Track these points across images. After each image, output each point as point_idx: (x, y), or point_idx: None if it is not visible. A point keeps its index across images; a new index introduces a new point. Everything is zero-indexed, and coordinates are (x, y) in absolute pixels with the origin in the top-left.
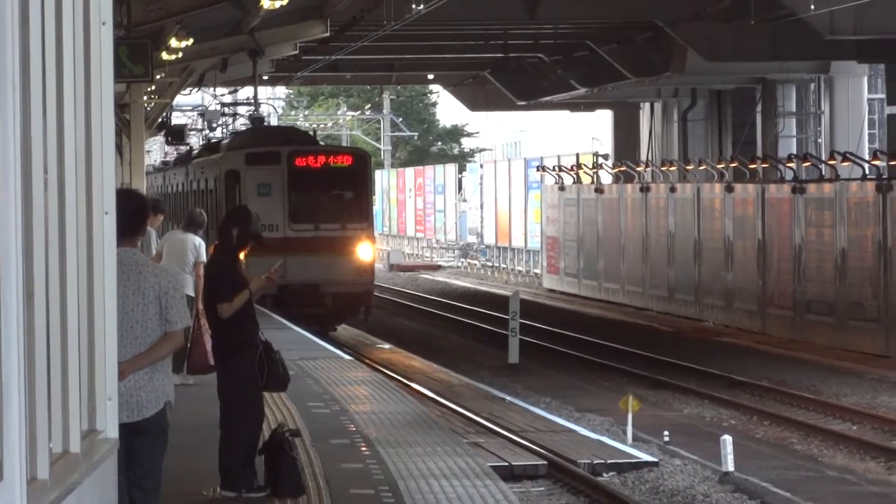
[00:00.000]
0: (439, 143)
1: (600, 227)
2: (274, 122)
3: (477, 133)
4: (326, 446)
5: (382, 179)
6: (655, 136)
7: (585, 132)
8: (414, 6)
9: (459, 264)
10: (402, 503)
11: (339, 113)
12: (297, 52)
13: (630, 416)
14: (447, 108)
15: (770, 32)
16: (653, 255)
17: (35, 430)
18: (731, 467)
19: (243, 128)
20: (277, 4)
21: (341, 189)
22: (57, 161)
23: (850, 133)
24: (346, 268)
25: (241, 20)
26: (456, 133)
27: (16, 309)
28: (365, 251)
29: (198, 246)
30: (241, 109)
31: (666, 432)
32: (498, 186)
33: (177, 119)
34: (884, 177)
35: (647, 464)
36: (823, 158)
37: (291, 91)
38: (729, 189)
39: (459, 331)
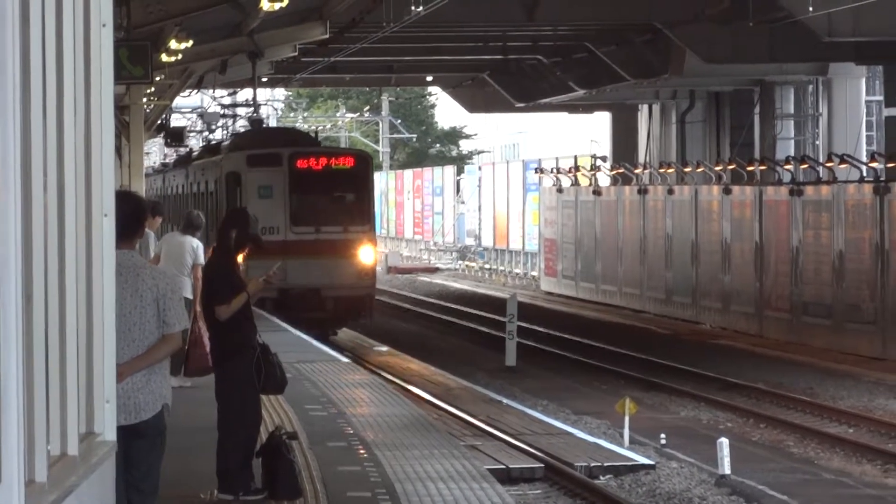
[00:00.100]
0: (438, 145)
1: (598, 230)
2: (273, 123)
3: (475, 135)
4: (324, 449)
5: (381, 181)
6: (653, 138)
7: (584, 134)
8: (413, 8)
9: (457, 267)
10: None
11: (337, 115)
12: (296, 53)
13: (627, 418)
14: (446, 109)
15: (768, 34)
16: (650, 258)
17: (33, 433)
18: (727, 470)
19: (243, 130)
20: (277, 6)
21: (343, 191)
22: (56, 163)
23: (848, 135)
24: (347, 271)
25: (240, 22)
26: (454, 135)
27: (14, 310)
28: (367, 254)
29: (196, 248)
30: (241, 111)
31: (662, 435)
32: (496, 188)
33: (176, 121)
34: (881, 179)
35: (643, 467)
36: (821, 160)
37: (290, 93)
38: (727, 191)
39: (457, 333)
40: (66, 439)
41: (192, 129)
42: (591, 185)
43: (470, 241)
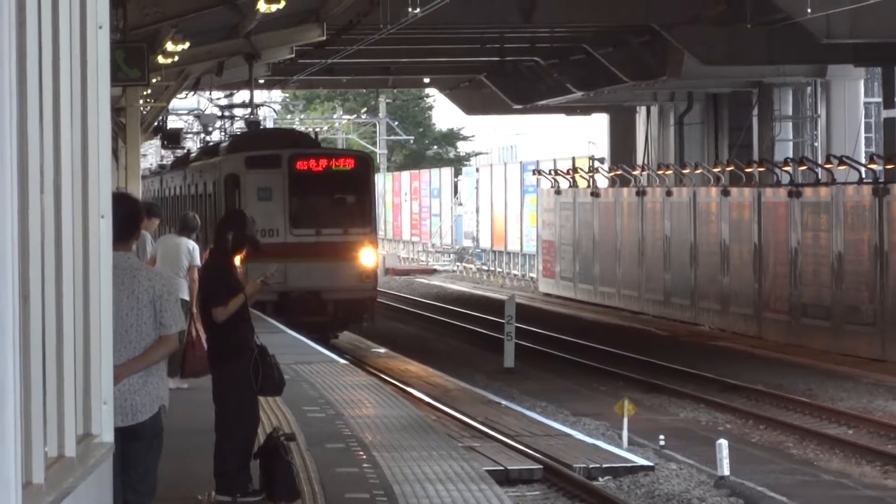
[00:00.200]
0: (435, 146)
1: (596, 231)
2: (270, 125)
3: (473, 137)
4: (322, 450)
5: (378, 183)
6: (651, 140)
7: (581, 136)
8: (410, 10)
9: (455, 268)
10: None
11: (334, 116)
12: (293, 55)
13: (626, 420)
14: (443, 111)
15: (766, 36)
16: (649, 259)
17: (30, 434)
18: (726, 471)
19: (239, 132)
20: (274, 8)
21: (343, 193)
22: (53, 164)
23: (847, 137)
24: (348, 274)
25: (237, 24)
26: (452, 137)
27: (12, 311)
28: (368, 257)
29: (192, 250)
30: (239, 112)
31: (661, 436)
32: (494, 190)
33: (173, 123)
34: (880, 180)
35: (642, 468)
36: (820, 162)
37: (287, 94)
38: (725, 193)
39: (455, 335)
40: (63, 441)
41: (189, 131)
42: (589, 186)
43: (468, 243)
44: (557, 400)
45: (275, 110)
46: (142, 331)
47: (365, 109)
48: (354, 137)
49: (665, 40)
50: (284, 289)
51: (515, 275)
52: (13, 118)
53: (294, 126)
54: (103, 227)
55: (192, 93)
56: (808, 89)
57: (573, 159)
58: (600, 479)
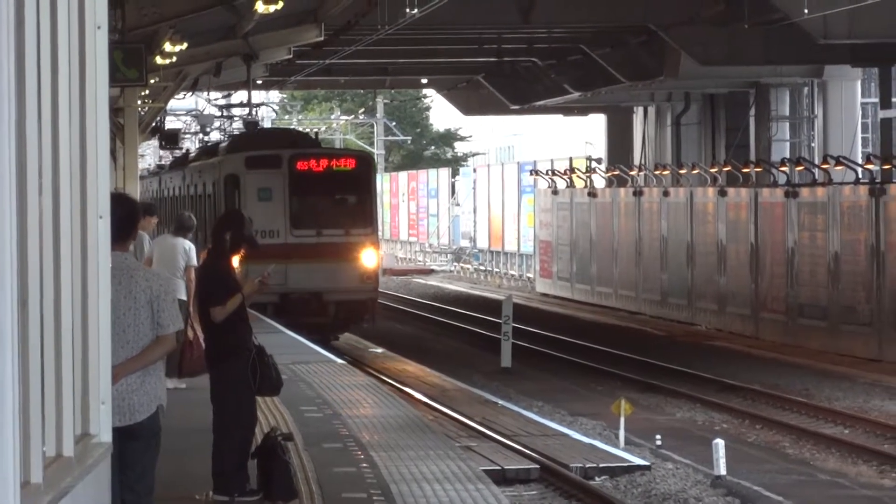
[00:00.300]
0: (433, 147)
1: (593, 231)
2: (268, 125)
3: (470, 137)
4: (319, 450)
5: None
6: (649, 140)
7: (579, 136)
8: (408, 10)
9: (452, 268)
10: None
11: (332, 117)
12: (290, 56)
13: (622, 419)
14: (441, 112)
15: (764, 36)
16: (646, 259)
17: (29, 434)
18: (723, 471)
19: (238, 132)
20: (272, 9)
21: (344, 193)
22: (51, 165)
23: (844, 137)
24: (349, 275)
25: (235, 24)
26: (449, 137)
27: (10, 311)
28: (369, 258)
29: (188, 250)
30: (237, 113)
31: (658, 436)
32: (491, 190)
33: (171, 123)
34: (877, 181)
35: (639, 468)
36: (817, 162)
37: (285, 95)
38: (722, 193)
39: (452, 335)
40: (61, 440)
41: (187, 131)
42: (586, 186)
43: (465, 243)
44: (554, 400)
45: (274, 110)
46: (139, 331)
47: (363, 110)
48: (352, 138)
49: (662, 41)
50: (285, 290)
51: (512, 275)
52: (12, 118)
53: (291, 126)
54: (101, 228)
55: (191, 93)
56: (805, 89)
57: (570, 159)
58: (597, 478)
